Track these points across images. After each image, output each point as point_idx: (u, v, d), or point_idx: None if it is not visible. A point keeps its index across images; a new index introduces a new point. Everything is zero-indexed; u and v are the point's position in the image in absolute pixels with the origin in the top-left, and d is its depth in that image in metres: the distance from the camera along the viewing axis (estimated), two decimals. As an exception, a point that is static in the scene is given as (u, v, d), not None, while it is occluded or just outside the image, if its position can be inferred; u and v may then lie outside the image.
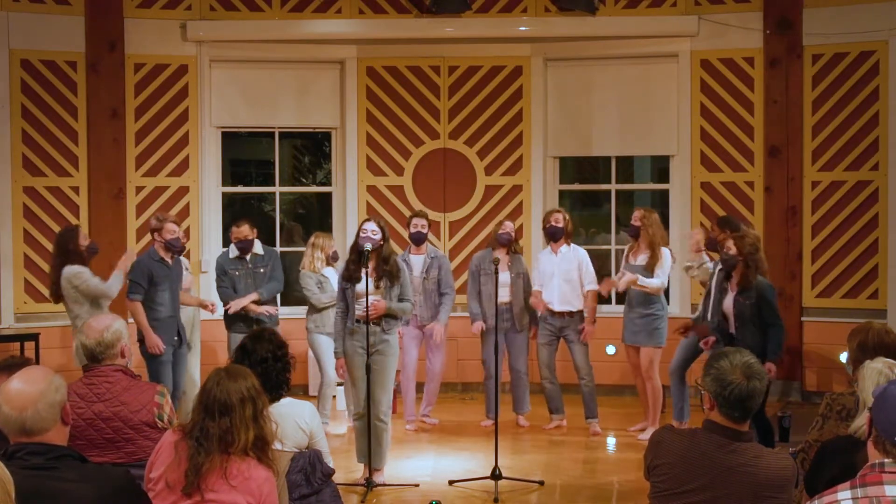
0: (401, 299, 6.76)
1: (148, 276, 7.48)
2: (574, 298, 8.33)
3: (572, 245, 8.44)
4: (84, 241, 7.54)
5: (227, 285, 8.17)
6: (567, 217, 8.44)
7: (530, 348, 8.58)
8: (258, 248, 8.28)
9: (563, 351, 8.45)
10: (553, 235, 8.41)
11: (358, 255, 6.68)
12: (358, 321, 6.67)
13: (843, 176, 9.47)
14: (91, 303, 7.46)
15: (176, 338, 7.56)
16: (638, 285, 8.03)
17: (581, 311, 8.33)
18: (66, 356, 8.84)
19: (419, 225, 8.43)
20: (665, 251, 8.16)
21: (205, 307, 8.24)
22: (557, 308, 8.33)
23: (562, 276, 8.32)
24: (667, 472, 3.38)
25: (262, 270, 8.20)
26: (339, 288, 6.85)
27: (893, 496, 2.43)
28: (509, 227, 8.46)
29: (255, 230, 8.27)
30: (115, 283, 7.51)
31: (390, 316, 6.72)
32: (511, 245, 8.44)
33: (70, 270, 7.37)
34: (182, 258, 8.43)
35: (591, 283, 8.32)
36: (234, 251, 8.28)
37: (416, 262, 8.42)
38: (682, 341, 7.90)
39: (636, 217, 8.19)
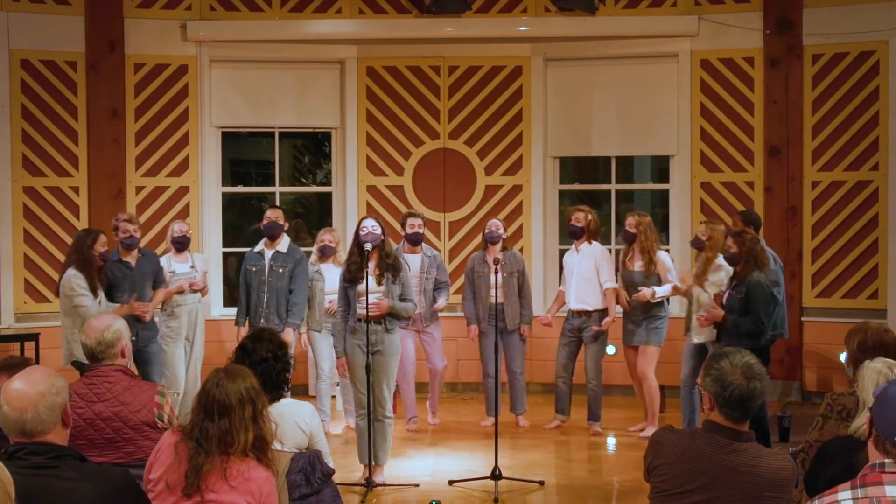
0: (403, 299, 6.76)
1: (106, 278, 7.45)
2: (589, 297, 8.23)
3: (594, 243, 8.38)
4: (101, 247, 7.37)
5: (242, 299, 8.08)
6: (590, 216, 8.35)
7: (527, 348, 8.57)
8: (283, 245, 8.07)
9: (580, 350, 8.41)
10: (573, 234, 8.39)
11: (359, 254, 6.67)
12: (359, 320, 6.66)
13: (843, 176, 9.47)
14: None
15: (133, 338, 7.37)
16: (657, 298, 7.99)
17: (599, 311, 8.23)
18: (65, 356, 8.82)
19: (416, 225, 8.35)
20: (663, 255, 8.15)
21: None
22: (573, 306, 8.31)
23: (580, 274, 8.27)
24: (667, 473, 3.37)
25: (280, 270, 7.98)
26: (340, 287, 6.83)
27: (894, 496, 2.42)
28: (493, 224, 8.41)
29: (286, 223, 8.20)
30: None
31: (392, 315, 6.72)
32: (503, 243, 8.41)
33: (70, 273, 7.32)
34: (196, 255, 8.39)
35: (609, 281, 8.25)
36: (260, 244, 8.15)
37: (414, 261, 8.36)
38: (686, 351, 7.70)
39: (630, 224, 8.13)
